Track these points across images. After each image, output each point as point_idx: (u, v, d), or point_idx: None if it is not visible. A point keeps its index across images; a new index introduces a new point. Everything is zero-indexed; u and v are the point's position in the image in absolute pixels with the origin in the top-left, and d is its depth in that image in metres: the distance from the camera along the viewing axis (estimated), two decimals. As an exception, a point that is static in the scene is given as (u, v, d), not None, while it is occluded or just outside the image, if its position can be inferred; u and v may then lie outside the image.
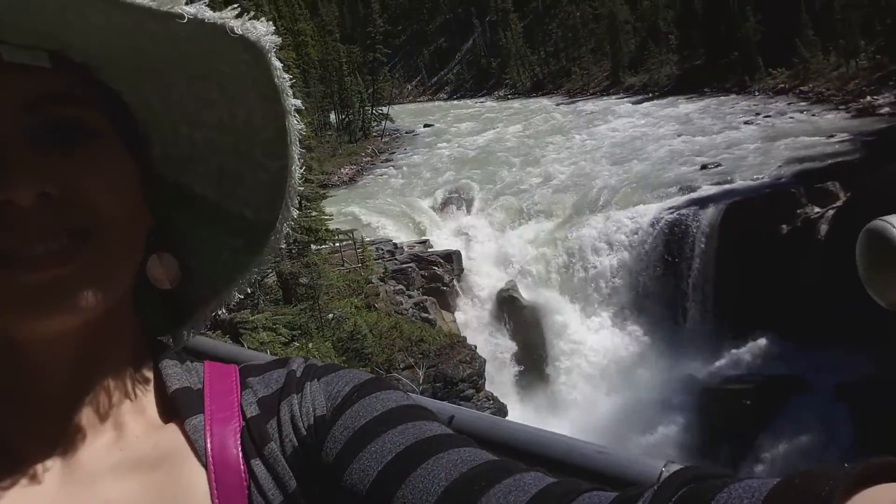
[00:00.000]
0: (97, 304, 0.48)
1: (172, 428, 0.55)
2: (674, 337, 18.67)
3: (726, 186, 20.06)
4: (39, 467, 0.50)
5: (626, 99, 40.91)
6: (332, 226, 16.27)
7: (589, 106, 40.33)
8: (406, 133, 42.27)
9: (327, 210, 17.58)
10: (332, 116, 42.78)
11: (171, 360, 0.59)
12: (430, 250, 21.81)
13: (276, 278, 15.09)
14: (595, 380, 18.77)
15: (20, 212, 0.45)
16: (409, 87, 71.35)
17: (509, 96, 56.68)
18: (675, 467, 0.72)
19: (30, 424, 0.51)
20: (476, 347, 17.19)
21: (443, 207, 26.13)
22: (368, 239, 21.43)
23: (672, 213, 19.58)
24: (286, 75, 0.53)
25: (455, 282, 21.14)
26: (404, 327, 16.05)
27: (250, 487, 0.52)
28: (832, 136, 22.59)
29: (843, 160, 19.44)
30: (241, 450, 0.53)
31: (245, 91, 0.54)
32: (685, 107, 33.17)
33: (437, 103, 59.43)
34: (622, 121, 32.81)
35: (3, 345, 0.49)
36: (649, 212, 20.10)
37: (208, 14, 0.46)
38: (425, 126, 43.03)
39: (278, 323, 9.17)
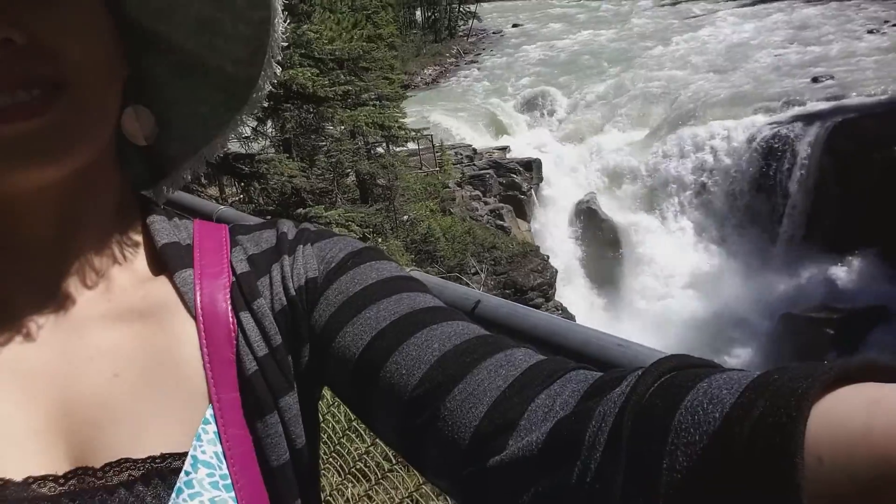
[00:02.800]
0: (74, 156, 0.48)
1: (162, 281, 0.55)
2: (760, 259, 17.87)
3: (837, 102, 18.36)
4: (32, 317, 0.51)
5: (734, 1, 37.52)
6: (411, 128, 16.16)
7: (693, 7, 37.28)
8: (493, 33, 40.68)
9: (408, 111, 17.40)
10: (418, 14, 41.67)
11: (159, 215, 0.58)
12: (509, 157, 21.41)
13: (355, 177, 15.26)
14: (671, 295, 18.36)
15: None
16: (501, -16, 67.93)
17: (606, -4, 53.18)
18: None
19: (22, 277, 0.52)
20: (549, 257, 17.06)
21: (526, 113, 25.38)
22: (448, 143, 21.21)
23: (773, 128, 18.22)
24: None
25: (533, 191, 20.80)
26: (478, 233, 16.05)
27: (238, 339, 0.53)
28: (971, 48, 20.06)
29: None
30: (231, 303, 0.54)
31: None
32: (802, 11, 30.09)
33: (528, 1, 56.61)
34: (728, 25, 30.22)
35: None
36: (748, 126, 18.79)
37: None
38: (514, 26, 41.23)
39: (352, 220, 9.31)
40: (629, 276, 19.08)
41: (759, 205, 18.11)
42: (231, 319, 0.53)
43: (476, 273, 15.08)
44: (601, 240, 19.55)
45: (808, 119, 17.92)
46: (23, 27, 0.44)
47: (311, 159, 13.10)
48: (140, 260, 0.57)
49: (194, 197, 2.08)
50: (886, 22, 25.44)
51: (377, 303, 0.52)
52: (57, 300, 0.52)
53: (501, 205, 19.56)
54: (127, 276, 0.55)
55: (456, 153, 20.93)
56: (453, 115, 24.67)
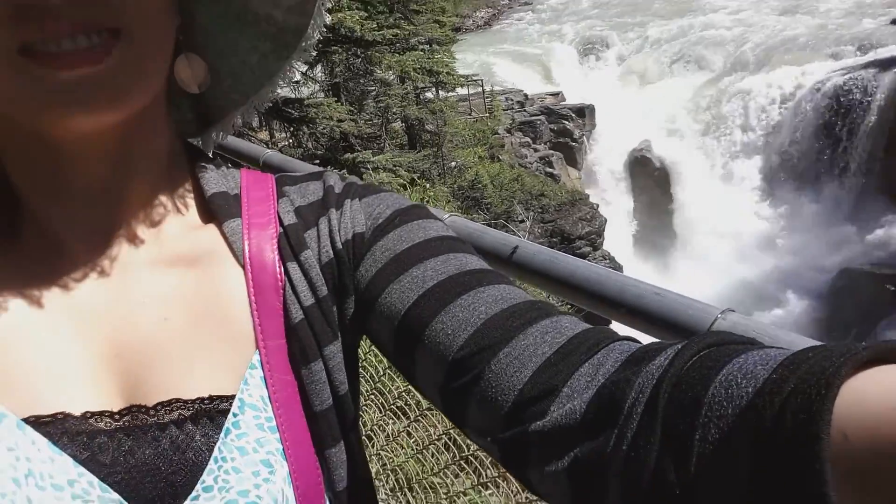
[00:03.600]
0: (132, 101, 0.48)
1: (210, 229, 0.56)
2: (821, 212, 17.17)
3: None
4: (87, 261, 0.52)
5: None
6: (461, 73, 15.87)
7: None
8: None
9: (458, 55, 17.07)
10: (472, -48, 40.33)
11: (207, 164, 0.59)
12: (562, 103, 20.89)
13: (402, 123, 15.18)
14: (725, 246, 17.88)
15: (47, 4, 0.43)
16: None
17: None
18: (733, 315, 0.73)
19: (76, 221, 0.53)
20: (598, 206, 16.77)
21: (582, 58, 24.58)
22: (498, 88, 20.79)
23: (844, 74, 17.20)
24: None
25: (585, 138, 20.32)
26: (526, 180, 15.85)
27: (285, 288, 0.54)
28: None
29: None
30: (279, 253, 0.55)
31: None
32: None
33: (587, -61, 54.08)
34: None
35: (45, 144, 0.50)
36: (815, 71, 17.79)
37: None
38: (571, -35, 39.53)
39: (399, 165, 9.31)
40: (682, 227, 18.64)
41: (827, 155, 17.28)
42: (278, 269, 0.54)
43: (523, 221, 14.97)
44: (654, 189, 19.07)
45: (884, 65, 16.82)
46: None
47: (360, 104, 13.06)
48: (189, 207, 0.58)
49: (242, 141, 2.09)
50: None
51: (424, 262, 0.53)
52: (110, 245, 0.53)
53: (551, 152, 19.20)
54: (177, 223, 0.56)
55: (506, 99, 20.52)
56: (505, 59, 24.10)
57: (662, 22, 24.73)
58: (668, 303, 0.78)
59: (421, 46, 13.03)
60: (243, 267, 0.54)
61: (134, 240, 0.54)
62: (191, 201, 0.58)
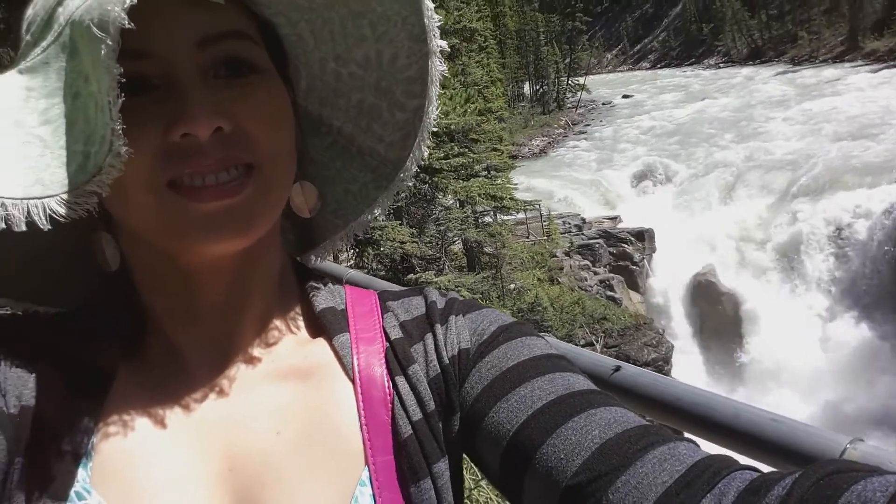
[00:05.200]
0: (260, 228, 0.52)
1: (321, 343, 0.58)
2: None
3: None
4: (205, 375, 0.55)
5: (864, 67, 35.60)
6: (518, 197, 16.18)
7: (817, 75, 35.71)
8: (602, 104, 40.79)
9: (515, 180, 17.48)
10: (526, 87, 42.60)
11: (315, 281, 0.62)
12: (619, 227, 20.87)
13: (462, 245, 15.34)
14: (794, 382, 16.71)
15: (197, 145, 0.48)
16: (609, 57, 68.64)
17: (721, 65, 52.26)
18: (863, 446, 0.68)
19: (197, 337, 0.56)
20: (664, 331, 16.17)
21: (638, 183, 24.85)
22: (556, 212, 21.03)
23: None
24: (436, 16, 0.55)
25: (646, 261, 20.05)
26: (587, 303, 15.54)
27: (394, 402, 0.54)
28: None
29: None
30: (386, 367, 0.56)
31: (395, 30, 0.56)
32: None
33: (638, 73, 56.56)
34: (857, 93, 28.57)
35: (176, 267, 0.54)
36: (883, 197, 17.32)
37: None
38: (624, 97, 41.20)
39: (461, 286, 9.27)
40: (749, 358, 17.66)
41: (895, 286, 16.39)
42: (387, 383, 0.55)
43: (589, 344, 14.51)
44: (722, 315, 18.35)
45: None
46: (231, 117, 0.49)
47: (421, 227, 13.33)
48: (299, 323, 0.60)
49: (324, 261, 2.19)
50: None
51: (531, 381, 0.52)
52: (227, 359, 0.56)
53: (612, 275, 18.94)
54: (288, 337, 0.59)
55: (564, 222, 20.68)
56: (561, 184, 24.55)
57: (719, 148, 24.96)
58: (787, 430, 0.74)
59: (483, 173, 13.41)
60: (353, 381, 0.55)
61: (248, 353, 0.57)
62: (300, 316, 0.61)
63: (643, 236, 20.23)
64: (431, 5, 0.54)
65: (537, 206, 19.12)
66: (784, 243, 18.67)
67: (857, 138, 21.88)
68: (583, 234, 20.42)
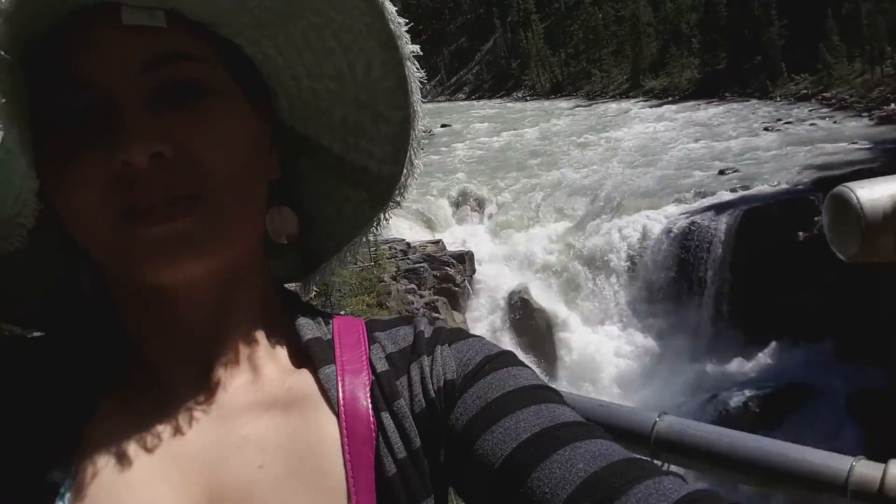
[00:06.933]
0: (216, 255, 0.51)
1: (305, 374, 0.57)
2: (685, 345, 18.44)
3: (743, 193, 19.78)
4: (188, 403, 0.54)
5: (645, 103, 40.58)
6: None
7: (607, 109, 40.05)
8: (423, 132, 42.08)
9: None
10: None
11: (302, 310, 0.61)
12: (442, 251, 21.74)
13: (287, 275, 15.13)
14: (602, 387, 18.60)
15: (139, 172, 0.47)
16: (428, 87, 71.33)
17: (528, 98, 56.48)
18: (669, 418, 0.80)
19: (179, 363, 0.55)
20: (484, 349, 17.07)
21: (457, 208, 26.07)
22: (381, 237, 21.39)
23: (687, 217, 19.35)
24: (401, 20, 0.52)
25: (467, 283, 21.05)
26: (412, 327, 15.99)
27: (378, 439, 0.53)
28: (854, 143, 22.20)
29: (863, 167, 19.06)
30: (371, 402, 0.55)
31: (361, 39, 0.54)
32: (705, 111, 32.83)
33: (455, 103, 59.35)
34: (640, 125, 32.52)
35: (145, 292, 0.53)
36: (663, 217, 19.89)
37: None
38: (442, 126, 42.96)
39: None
40: (562, 368, 19.29)
41: (680, 294, 18.88)
42: (371, 419, 0.54)
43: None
44: (535, 330, 19.81)
45: (719, 208, 19.13)
46: (174, 142, 0.49)
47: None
48: (284, 353, 0.59)
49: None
50: (779, 120, 28.01)
51: (517, 412, 0.52)
52: (210, 387, 0.55)
53: (436, 297, 19.66)
54: (273, 366, 0.58)
55: (390, 247, 21.09)
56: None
57: (527, 175, 27.03)
58: (612, 412, 0.86)
59: None
60: (337, 415, 0.54)
61: (232, 382, 0.56)
62: (285, 346, 0.59)
63: (463, 258, 21.24)
64: (393, 9, 0.51)
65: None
66: (585, 258, 20.65)
67: (642, 165, 24.88)
68: (408, 258, 20.96)
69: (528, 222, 23.44)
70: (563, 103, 47.25)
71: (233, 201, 0.52)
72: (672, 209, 20.14)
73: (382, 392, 0.56)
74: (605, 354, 18.96)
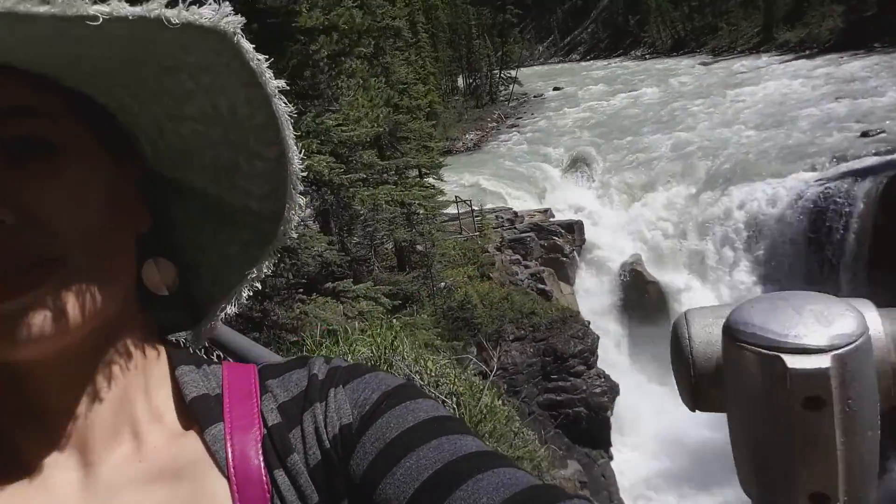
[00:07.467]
0: (78, 324, 0.47)
1: (192, 437, 0.53)
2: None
3: (890, 157, 17.71)
4: (63, 486, 0.50)
5: (778, 57, 37.25)
6: (451, 193, 16.21)
7: (736, 65, 37.15)
8: (534, 97, 41.31)
9: (447, 177, 17.53)
10: (460, 81, 42.71)
11: (187, 364, 0.57)
12: (551, 220, 21.27)
13: (392, 245, 15.34)
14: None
15: None
16: (541, 49, 69.53)
17: (647, 56, 53.65)
18: None
19: (48, 444, 0.50)
20: (590, 323, 16.61)
21: (568, 175, 25.35)
22: (488, 206, 21.24)
23: (821, 184, 17.64)
24: (261, 56, 0.49)
25: (576, 253, 20.51)
26: (515, 299, 15.79)
27: (273, 499, 0.51)
28: None
29: None
30: (263, 459, 0.52)
31: (221, 79, 0.50)
32: (848, 66, 29.57)
33: (568, 65, 57.43)
34: (773, 82, 29.90)
35: (11, 372, 0.48)
36: (794, 183, 18.26)
37: (129, 10, 0.40)
38: (555, 89, 41.82)
39: (380, 292, 9.30)
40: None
41: (810, 267, 17.35)
42: (265, 478, 0.51)
43: (515, 339, 14.77)
44: (647, 303, 18.99)
45: (860, 174, 17.30)
46: (13, 205, 0.44)
47: (349, 229, 13.25)
48: (170, 413, 0.55)
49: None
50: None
51: (416, 450, 0.50)
52: (87, 466, 0.51)
53: (542, 268, 19.30)
54: (158, 432, 0.54)
55: (496, 217, 20.91)
56: (494, 179, 24.80)
57: (644, 139, 25.71)
58: None
59: (391, 178, 13.32)
60: (227, 478, 0.51)
61: (112, 455, 0.51)
62: (171, 405, 0.55)
63: (573, 228, 20.67)
64: (250, 46, 0.47)
65: (470, 204, 19.26)
66: (704, 229, 19.43)
67: (773, 126, 22.92)
68: (515, 227, 20.70)
69: (643, 189, 22.35)
70: (685, 61, 44.38)
71: (91, 262, 0.48)
72: (804, 175, 18.43)
73: (275, 447, 0.52)
74: (722, 332, 17.83)
